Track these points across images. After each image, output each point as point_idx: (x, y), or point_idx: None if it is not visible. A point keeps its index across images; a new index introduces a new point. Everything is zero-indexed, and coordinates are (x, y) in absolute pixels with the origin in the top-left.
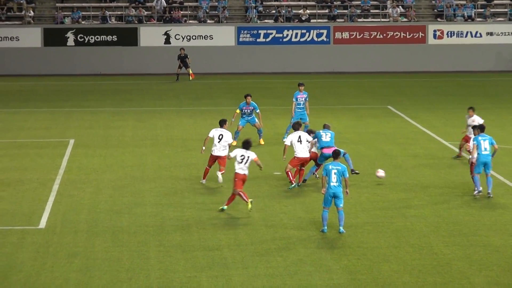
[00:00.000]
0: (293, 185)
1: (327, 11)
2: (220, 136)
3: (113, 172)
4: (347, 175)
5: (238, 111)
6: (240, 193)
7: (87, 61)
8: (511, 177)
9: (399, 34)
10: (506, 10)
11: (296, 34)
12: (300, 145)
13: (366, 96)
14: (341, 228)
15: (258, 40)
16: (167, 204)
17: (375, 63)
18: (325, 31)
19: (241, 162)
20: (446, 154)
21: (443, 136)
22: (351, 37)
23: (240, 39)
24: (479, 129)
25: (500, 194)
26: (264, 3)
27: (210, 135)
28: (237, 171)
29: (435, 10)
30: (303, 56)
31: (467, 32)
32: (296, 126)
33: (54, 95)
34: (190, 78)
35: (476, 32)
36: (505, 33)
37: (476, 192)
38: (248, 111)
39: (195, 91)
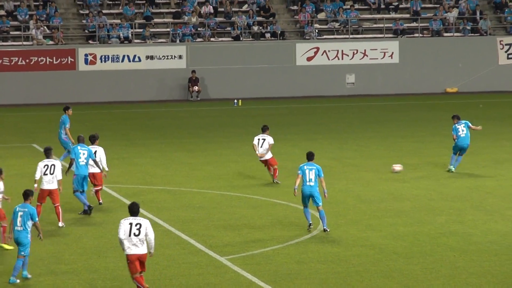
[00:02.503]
0: None
1: None
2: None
3: None
4: (37, 219)
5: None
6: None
7: None
8: (176, 224)
9: (44, 59)
10: (168, 30)
11: None
12: None
13: (7, 133)
14: (24, 272)
15: None
16: None
17: (17, 94)
18: None
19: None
20: (102, 198)
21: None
22: None
23: None
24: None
25: (167, 244)
26: None
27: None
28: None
29: (86, 31)
30: None
31: (124, 56)
32: None
33: None
34: None
35: (135, 56)
36: (167, 56)
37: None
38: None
39: None
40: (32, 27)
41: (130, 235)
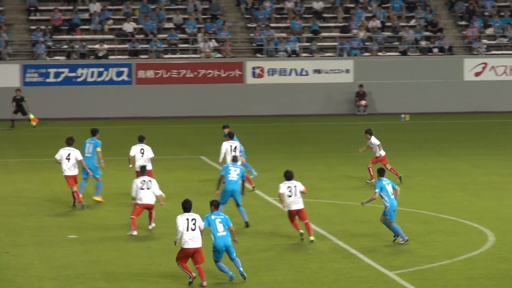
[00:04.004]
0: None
1: (128, 45)
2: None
3: None
4: (231, 224)
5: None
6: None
7: None
8: (344, 238)
9: (212, 72)
10: (335, 44)
11: (92, 73)
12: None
13: (175, 145)
14: (241, 269)
15: (47, 80)
16: None
17: (185, 106)
18: (126, 69)
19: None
20: (269, 211)
21: (266, 191)
22: (157, 75)
23: (27, 79)
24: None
25: (335, 258)
26: (54, 37)
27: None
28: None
29: (254, 44)
30: (100, 99)
31: (291, 70)
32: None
33: None
34: (34, 123)
35: (302, 70)
36: (335, 70)
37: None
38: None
39: None
40: (200, 40)
41: (188, 230)
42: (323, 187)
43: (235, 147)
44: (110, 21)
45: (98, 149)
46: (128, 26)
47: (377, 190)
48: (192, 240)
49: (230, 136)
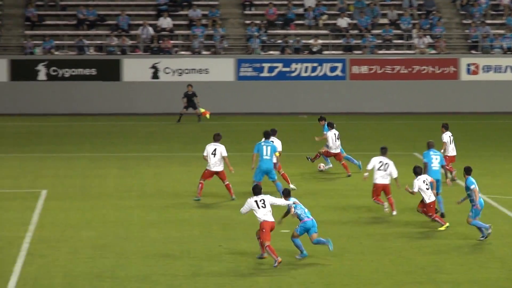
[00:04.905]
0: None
1: (342, 41)
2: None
3: (93, 229)
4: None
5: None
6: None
7: (61, 99)
8: None
9: (426, 68)
10: None
11: (306, 68)
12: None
13: (388, 141)
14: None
15: (261, 74)
16: (156, 267)
17: (398, 102)
18: (340, 65)
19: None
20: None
21: (479, 188)
22: (371, 71)
23: (241, 74)
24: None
25: None
26: (268, 31)
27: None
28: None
29: (469, 41)
30: (314, 94)
31: (506, 67)
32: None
33: (23, 138)
34: (208, 116)
35: None
36: None
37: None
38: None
39: (188, 134)
40: (415, 36)
41: (259, 208)
42: None
43: (338, 135)
44: (325, 16)
45: (277, 153)
46: (342, 22)
47: (472, 186)
48: (265, 215)
49: (330, 126)
